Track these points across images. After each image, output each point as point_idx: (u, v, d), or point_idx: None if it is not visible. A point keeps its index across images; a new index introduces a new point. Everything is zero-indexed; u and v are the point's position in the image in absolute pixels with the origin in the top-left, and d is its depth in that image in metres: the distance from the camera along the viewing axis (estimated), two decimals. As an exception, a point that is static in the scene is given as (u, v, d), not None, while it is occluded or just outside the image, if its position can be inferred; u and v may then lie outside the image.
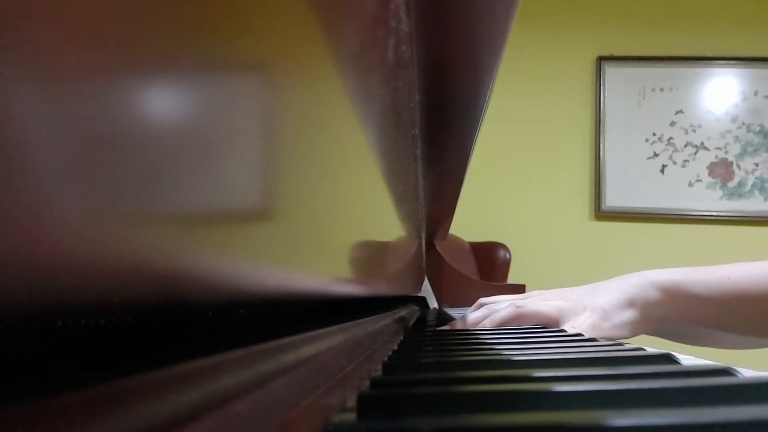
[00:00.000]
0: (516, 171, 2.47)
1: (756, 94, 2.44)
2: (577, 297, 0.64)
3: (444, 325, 0.66)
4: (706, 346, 0.67)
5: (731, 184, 2.43)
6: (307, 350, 0.22)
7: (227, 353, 0.15)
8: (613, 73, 2.48)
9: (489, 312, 0.65)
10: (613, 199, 2.43)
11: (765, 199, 2.42)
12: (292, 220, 0.17)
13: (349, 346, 0.29)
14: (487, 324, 0.63)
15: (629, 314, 0.61)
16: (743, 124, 2.44)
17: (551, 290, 0.72)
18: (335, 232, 0.24)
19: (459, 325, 0.65)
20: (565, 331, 0.54)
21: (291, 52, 0.15)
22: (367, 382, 0.26)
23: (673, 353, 0.32)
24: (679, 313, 0.61)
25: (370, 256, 0.34)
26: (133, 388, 0.11)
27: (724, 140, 2.44)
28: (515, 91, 2.43)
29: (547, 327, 0.60)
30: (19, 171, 0.06)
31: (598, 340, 0.44)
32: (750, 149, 2.43)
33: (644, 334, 0.63)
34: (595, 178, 2.45)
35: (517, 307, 0.63)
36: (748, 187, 2.43)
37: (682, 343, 0.67)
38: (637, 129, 2.46)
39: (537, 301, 0.64)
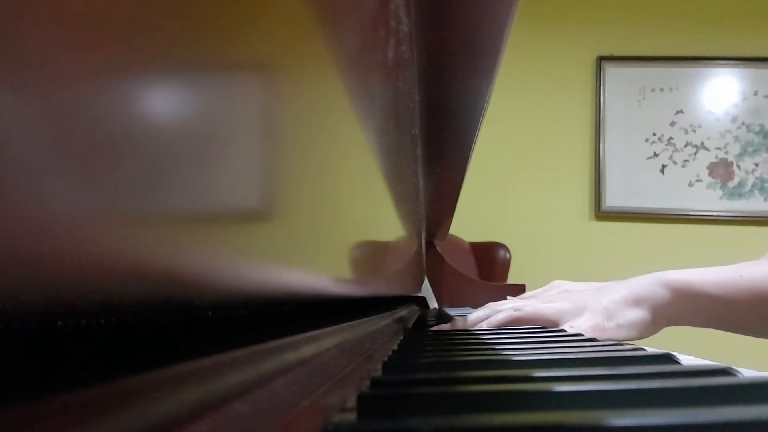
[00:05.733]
0: (516, 171, 2.47)
1: (756, 94, 2.44)
2: (580, 297, 0.61)
3: (444, 324, 0.66)
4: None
5: (731, 184, 2.43)
6: (307, 350, 0.22)
7: (227, 353, 0.15)
8: (613, 73, 2.48)
9: (490, 312, 0.65)
10: (613, 199, 2.43)
11: (765, 199, 2.42)
12: (292, 220, 0.17)
13: (349, 346, 0.29)
14: (484, 325, 0.63)
15: (636, 313, 0.58)
16: (743, 124, 2.44)
17: (567, 282, 0.71)
18: (335, 232, 0.24)
19: (459, 324, 0.65)
20: (565, 331, 0.54)
21: (291, 52, 0.15)
22: (367, 382, 0.26)
23: (673, 353, 0.32)
24: (691, 314, 0.58)
25: (370, 256, 0.34)
26: (133, 388, 0.11)
27: (724, 140, 2.44)
28: (515, 91, 2.43)
29: (547, 327, 0.60)
30: (19, 171, 0.06)
31: (597, 340, 0.44)
32: (750, 149, 2.43)
33: (654, 335, 0.60)
34: (595, 178, 2.45)
35: (516, 310, 0.63)
36: (748, 187, 2.43)
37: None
38: (637, 129, 2.46)
39: (538, 304, 0.64)
